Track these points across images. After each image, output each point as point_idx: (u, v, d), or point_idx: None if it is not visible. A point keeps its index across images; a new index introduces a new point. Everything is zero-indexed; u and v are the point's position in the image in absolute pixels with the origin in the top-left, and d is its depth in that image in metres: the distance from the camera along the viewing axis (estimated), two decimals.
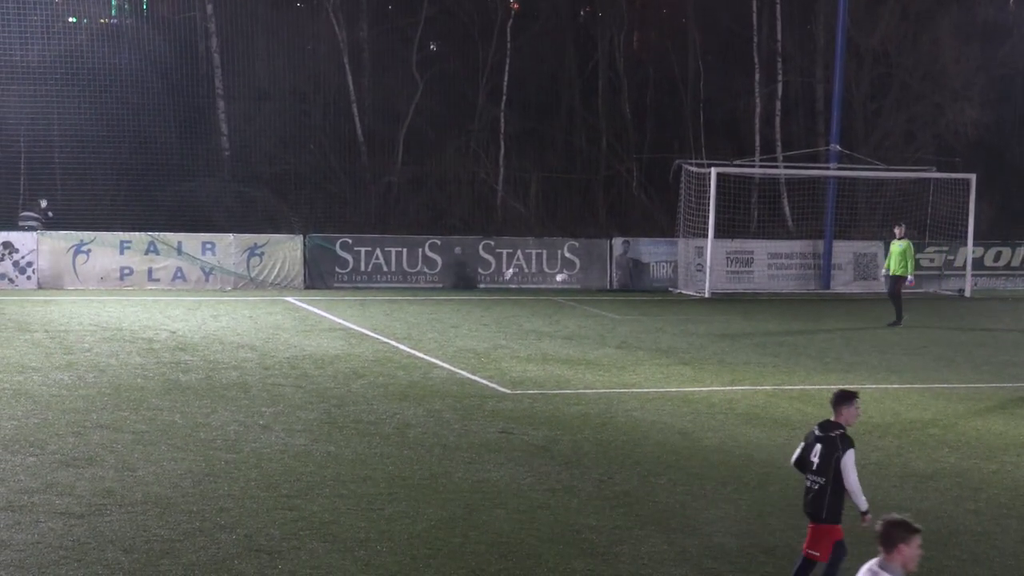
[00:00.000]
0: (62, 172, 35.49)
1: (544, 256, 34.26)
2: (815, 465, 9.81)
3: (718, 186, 34.04)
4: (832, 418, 9.95)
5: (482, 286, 33.45)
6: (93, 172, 35.31)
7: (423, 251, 33.22)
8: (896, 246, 28.38)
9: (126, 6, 40.07)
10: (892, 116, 44.62)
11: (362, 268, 32.68)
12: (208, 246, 31.54)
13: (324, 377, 19.02)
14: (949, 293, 36.91)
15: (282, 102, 39.08)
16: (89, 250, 30.69)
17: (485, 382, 19.04)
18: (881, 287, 36.92)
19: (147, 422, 15.32)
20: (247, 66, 38.54)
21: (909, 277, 28.52)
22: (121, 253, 30.86)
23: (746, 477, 13.64)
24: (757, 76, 43.49)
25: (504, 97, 41.52)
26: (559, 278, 33.75)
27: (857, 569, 7.34)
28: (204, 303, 28.05)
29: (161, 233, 31.45)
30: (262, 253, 31.83)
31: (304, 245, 32.24)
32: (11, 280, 30.19)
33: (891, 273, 28.57)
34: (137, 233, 31.29)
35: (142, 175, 35.79)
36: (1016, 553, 11.34)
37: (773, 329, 26.81)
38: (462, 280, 33.25)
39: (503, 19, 41.51)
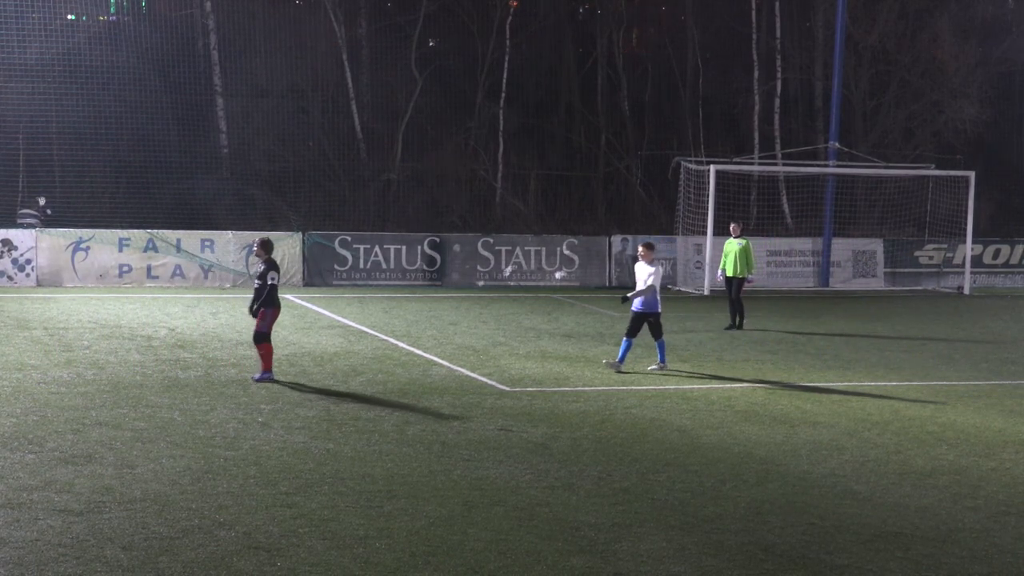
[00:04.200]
0: (61, 169, 35.50)
1: (543, 253, 34.28)
2: None
3: (717, 183, 34.07)
4: None
5: (481, 283, 33.47)
6: (92, 169, 35.35)
7: (422, 248, 33.23)
8: (734, 245, 26.09)
9: (125, 3, 40.06)
10: (891, 113, 44.65)
11: (361, 265, 32.69)
12: (207, 243, 31.55)
13: (323, 374, 19.02)
14: (948, 290, 36.94)
15: (281, 99, 39.09)
16: (88, 247, 30.70)
17: (484, 379, 19.03)
18: (880, 283, 36.99)
19: (146, 419, 15.32)
20: (246, 63, 38.55)
21: (750, 276, 26.31)
22: (120, 250, 30.87)
23: (745, 474, 13.64)
24: (756, 73, 43.51)
25: (503, 94, 41.52)
26: (558, 275, 33.74)
27: None
28: (203, 300, 28.04)
29: (160, 230, 31.48)
30: None
31: (303, 242, 32.24)
32: (10, 278, 30.20)
33: (728, 275, 26.04)
34: (136, 230, 31.31)
35: (141, 172, 35.83)
36: (1015, 550, 11.34)
37: (772, 326, 26.80)
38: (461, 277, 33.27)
39: (502, 16, 41.51)
